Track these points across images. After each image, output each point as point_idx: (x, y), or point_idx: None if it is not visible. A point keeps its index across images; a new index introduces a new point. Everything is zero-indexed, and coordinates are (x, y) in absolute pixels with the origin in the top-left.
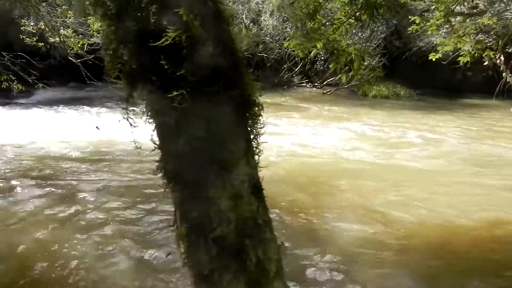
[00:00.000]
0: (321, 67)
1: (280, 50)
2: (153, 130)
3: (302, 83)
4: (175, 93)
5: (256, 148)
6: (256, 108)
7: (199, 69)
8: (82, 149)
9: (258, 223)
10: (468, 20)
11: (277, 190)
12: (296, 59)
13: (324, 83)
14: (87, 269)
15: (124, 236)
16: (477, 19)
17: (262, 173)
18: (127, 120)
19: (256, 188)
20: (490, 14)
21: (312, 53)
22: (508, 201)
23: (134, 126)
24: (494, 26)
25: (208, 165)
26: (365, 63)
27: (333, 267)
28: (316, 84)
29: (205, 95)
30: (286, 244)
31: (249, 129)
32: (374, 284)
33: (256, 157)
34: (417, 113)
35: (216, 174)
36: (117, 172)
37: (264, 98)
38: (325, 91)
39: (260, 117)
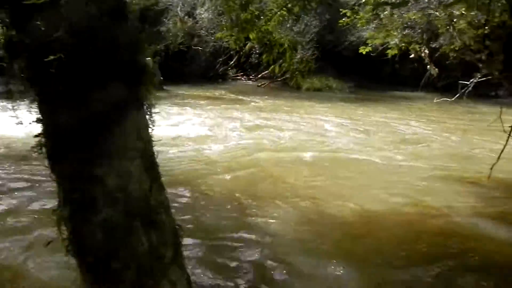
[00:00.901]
0: (256, 61)
1: (215, 43)
2: (35, 103)
3: (237, 76)
4: (51, 57)
5: (150, 120)
6: (149, 77)
7: (77, 30)
8: None
9: (151, 204)
10: (395, 15)
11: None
12: (231, 52)
13: (259, 76)
14: None
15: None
16: (404, 14)
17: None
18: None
19: (150, 165)
20: (415, 10)
21: (247, 46)
22: (425, 186)
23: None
24: (420, 21)
25: (92, 138)
26: (298, 56)
27: (258, 255)
28: (251, 77)
29: (85, 60)
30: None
31: (140, 98)
32: (302, 271)
33: (150, 130)
34: (349, 105)
35: (101, 149)
36: None
37: (201, 92)
38: (259, 84)
39: (154, 86)
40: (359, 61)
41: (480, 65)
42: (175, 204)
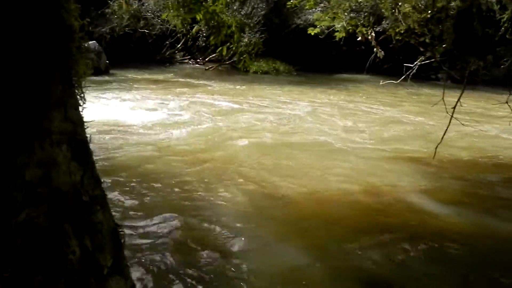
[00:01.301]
0: (203, 44)
1: (162, 26)
2: None
3: (185, 59)
4: None
5: (80, 97)
6: (76, 42)
7: None
8: None
9: (83, 201)
10: None
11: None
12: (178, 35)
13: (206, 60)
14: None
15: None
16: None
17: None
18: None
19: (81, 151)
20: None
21: (194, 29)
22: (372, 166)
23: None
24: (366, 4)
25: (7, 117)
26: (246, 39)
27: (205, 238)
28: (198, 60)
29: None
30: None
31: (67, 68)
32: (251, 251)
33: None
34: (299, 87)
35: (16, 131)
36: None
37: (148, 75)
38: (207, 67)
39: (85, 58)
40: (306, 44)
41: (422, 49)
42: (115, 194)
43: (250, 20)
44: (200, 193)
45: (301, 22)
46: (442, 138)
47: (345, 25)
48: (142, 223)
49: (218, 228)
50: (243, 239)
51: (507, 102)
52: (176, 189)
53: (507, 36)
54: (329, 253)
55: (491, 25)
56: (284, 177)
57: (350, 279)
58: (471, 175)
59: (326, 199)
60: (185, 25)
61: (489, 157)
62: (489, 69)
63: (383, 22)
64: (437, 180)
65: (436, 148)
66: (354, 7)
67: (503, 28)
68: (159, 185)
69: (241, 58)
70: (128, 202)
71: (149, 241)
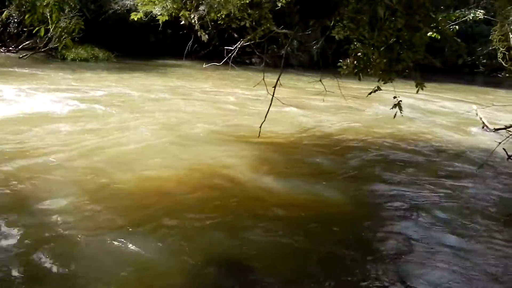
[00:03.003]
0: (15, 30)
1: None
2: None
3: None
4: None
5: None
6: None
7: None
8: None
9: None
10: None
11: None
12: None
13: (20, 47)
14: None
15: None
16: None
17: None
18: None
19: None
20: None
21: (3, 14)
22: (204, 149)
23: None
24: None
25: None
26: (66, 20)
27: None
28: (10, 48)
29: None
30: None
31: None
32: (94, 247)
33: None
34: (122, 74)
35: None
36: None
37: None
38: (21, 56)
39: None
40: (124, 30)
41: (236, 35)
42: None
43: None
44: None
45: (118, 7)
46: (265, 117)
47: (168, 8)
48: None
49: (50, 224)
50: (80, 235)
51: (320, 80)
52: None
53: None
54: (173, 237)
55: None
56: (120, 166)
57: (195, 260)
58: (295, 150)
59: (166, 186)
60: None
61: (308, 132)
62: (295, 54)
63: (200, 8)
64: (265, 157)
65: (260, 126)
66: None
67: None
68: None
69: (61, 38)
70: None
71: None
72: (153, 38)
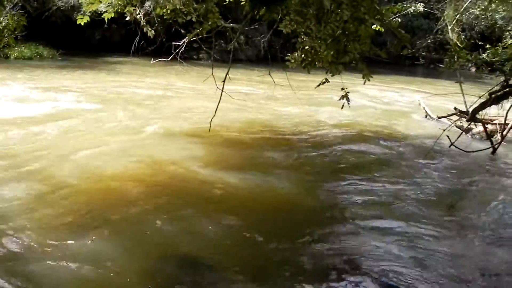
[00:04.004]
0: None
1: None
2: None
3: None
4: None
5: None
6: None
7: None
8: None
9: None
10: None
11: None
12: None
13: None
14: None
15: None
16: None
17: None
18: None
19: None
20: None
21: None
22: (153, 144)
23: None
24: None
25: None
26: (8, 17)
27: None
28: None
29: None
30: None
31: None
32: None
33: None
34: (62, 71)
35: None
36: None
37: None
38: None
39: None
40: (69, 27)
41: (183, 31)
42: None
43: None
44: None
45: (62, 4)
46: (215, 112)
47: (113, 4)
48: None
49: None
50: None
51: (269, 74)
52: None
53: None
54: (127, 235)
55: None
56: (67, 167)
57: (150, 257)
58: (246, 144)
59: (115, 185)
60: None
61: (259, 126)
62: (243, 49)
63: (146, 4)
64: (215, 150)
65: (210, 122)
66: None
67: None
68: None
69: (4, 38)
70: None
71: None
72: (99, 35)
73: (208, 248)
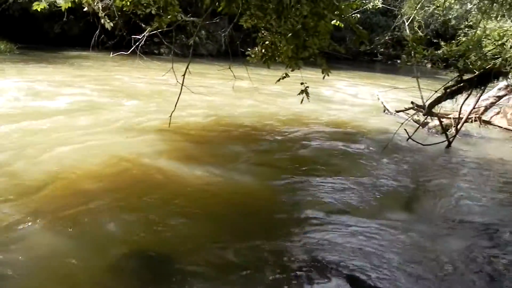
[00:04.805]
0: None
1: None
2: None
3: None
4: None
5: None
6: None
7: None
8: None
9: None
10: None
11: None
12: None
13: None
14: None
15: None
16: None
17: None
18: None
19: None
20: None
21: None
22: (117, 141)
23: None
24: None
25: None
26: None
27: None
28: None
29: None
30: None
31: None
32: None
33: None
34: (21, 66)
35: None
36: None
37: None
38: None
39: None
40: (27, 20)
41: (144, 25)
42: None
43: None
44: None
45: None
46: (175, 106)
47: None
48: None
49: None
50: None
51: (230, 68)
52: None
53: None
54: (91, 232)
55: None
56: (30, 164)
57: (115, 253)
58: (206, 137)
59: (77, 182)
60: None
61: (219, 120)
62: (204, 44)
63: None
64: (176, 145)
65: (170, 116)
66: None
67: None
68: None
69: None
70: None
71: None
72: (58, 29)
73: (170, 242)
